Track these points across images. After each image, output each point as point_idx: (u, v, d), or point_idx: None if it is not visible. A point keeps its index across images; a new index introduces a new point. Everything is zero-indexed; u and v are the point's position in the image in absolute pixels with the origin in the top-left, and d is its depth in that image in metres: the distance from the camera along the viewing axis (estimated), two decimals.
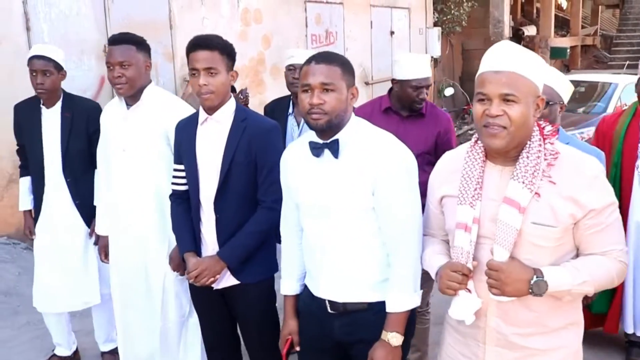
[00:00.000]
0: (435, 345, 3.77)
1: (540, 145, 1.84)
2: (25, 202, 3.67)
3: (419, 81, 3.19)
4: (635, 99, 3.55)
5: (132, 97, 2.97)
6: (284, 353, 2.42)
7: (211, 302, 2.77)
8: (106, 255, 3.30)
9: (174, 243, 2.95)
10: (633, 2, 20.03)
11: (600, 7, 21.46)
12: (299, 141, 2.34)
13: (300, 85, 2.12)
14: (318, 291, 2.25)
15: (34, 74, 3.35)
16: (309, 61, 2.11)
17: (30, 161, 3.57)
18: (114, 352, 3.80)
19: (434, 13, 12.03)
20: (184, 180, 2.72)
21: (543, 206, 1.81)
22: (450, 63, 13.63)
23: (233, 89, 5.32)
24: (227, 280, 2.67)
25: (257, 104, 6.35)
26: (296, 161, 2.27)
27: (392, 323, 2.11)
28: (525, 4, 20.26)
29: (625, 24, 19.87)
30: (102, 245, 3.31)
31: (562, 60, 17.76)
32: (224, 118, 2.59)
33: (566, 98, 2.76)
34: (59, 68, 3.39)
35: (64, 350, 3.86)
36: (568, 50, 16.52)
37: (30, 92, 3.41)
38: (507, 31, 12.90)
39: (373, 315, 2.16)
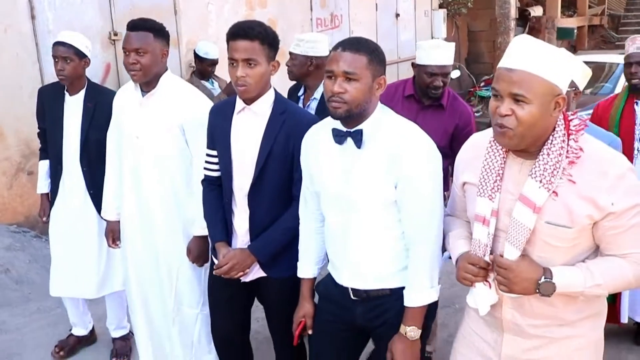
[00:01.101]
0: (443, 326, 3.84)
1: (563, 141, 1.77)
2: (43, 185, 3.72)
3: (434, 68, 3.15)
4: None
5: (147, 84, 2.95)
6: (296, 334, 2.43)
7: (232, 290, 2.73)
8: (114, 241, 3.32)
9: (187, 232, 2.97)
10: None
11: None
12: (320, 125, 2.30)
13: (325, 70, 2.08)
14: (341, 279, 2.26)
15: (56, 60, 3.37)
16: (336, 46, 2.07)
17: (49, 146, 3.61)
18: (125, 338, 3.86)
19: None
20: (216, 167, 2.66)
21: (559, 206, 1.77)
22: (456, 45, 13.42)
23: (204, 74, 5.29)
24: (256, 273, 2.64)
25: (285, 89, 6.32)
26: (318, 146, 2.25)
27: (410, 317, 2.12)
28: None
29: (633, 3, 19.66)
30: (110, 230, 3.32)
31: (568, 40, 17.59)
32: (261, 109, 2.52)
33: (582, 84, 2.68)
34: (80, 55, 3.40)
35: (80, 330, 3.94)
36: (575, 31, 16.34)
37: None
38: (513, 12, 12.72)
39: (396, 300, 2.17)
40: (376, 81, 2.07)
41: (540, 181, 1.75)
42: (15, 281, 4.64)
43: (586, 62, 8.24)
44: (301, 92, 3.72)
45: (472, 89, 12.74)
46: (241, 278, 2.61)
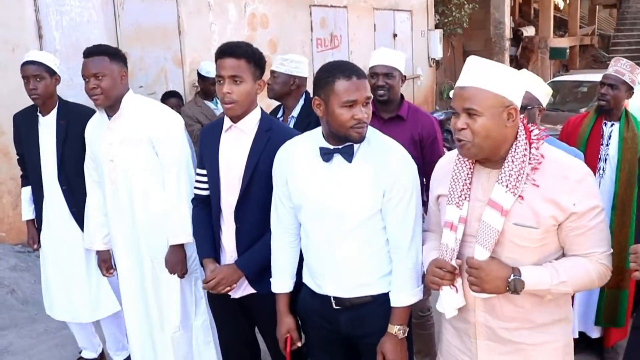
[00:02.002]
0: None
1: (525, 149, 1.91)
2: (27, 212, 3.68)
3: (374, 68, 3.22)
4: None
5: (111, 108, 2.99)
6: (287, 352, 2.44)
7: (229, 309, 2.78)
8: (107, 269, 3.32)
9: (167, 247, 2.98)
10: (630, 1, 20.13)
11: (597, 6, 21.52)
12: (296, 141, 2.37)
13: (340, 101, 2.11)
14: (322, 289, 2.30)
15: (26, 79, 3.34)
16: (349, 76, 2.11)
17: (29, 170, 3.58)
18: None
19: (435, 15, 12.06)
20: (206, 186, 2.72)
21: (525, 208, 1.89)
22: (452, 65, 13.66)
23: (207, 94, 5.32)
24: (246, 289, 2.68)
25: (264, 108, 6.34)
26: (294, 161, 2.30)
27: (398, 317, 2.22)
28: (522, 5, 20.29)
29: (623, 24, 19.97)
30: (101, 260, 3.33)
31: (560, 60, 17.80)
32: (248, 127, 2.58)
33: (545, 102, 2.84)
34: (51, 73, 3.38)
35: (90, 353, 3.91)
36: (567, 51, 16.55)
37: None
38: (507, 32, 12.93)
39: (378, 306, 2.26)
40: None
41: (507, 186, 1.88)
42: (21, 302, 4.59)
43: (581, 82, 8.41)
44: (280, 113, 3.76)
45: None
46: (230, 293, 2.64)
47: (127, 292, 3.18)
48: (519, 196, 1.88)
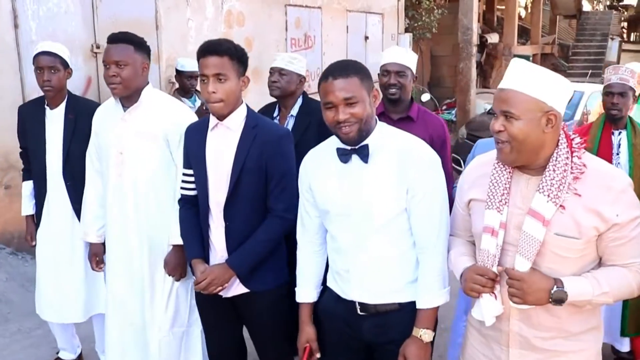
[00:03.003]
0: (435, 347, 3.82)
1: (567, 158, 1.88)
2: (28, 207, 3.56)
3: (386, 66, 3.24)
4: (600, 108, 3.62)
5: (127, 99, 2.89)
6: None
7: (219, 309, 2.73)
8: (97, 264, 3.22)
9: (166, 247, 2.91)
10: (589, 13, 20.70)
11: (557, 17, 22.05)
12: (318, 149, 2.35)
13: (323, 104, 2.12)
14: (348, 294, 2.26)
15: (40, 70, 3.25)
16: (325, 77, 2.10)
17: (32, 164, 3.47)
18: None
19: (405, 19, 12.15)
20: (193, 185, 2.68)
21: (567, 218, 1.86)
22: (420, 69, 13.79)
23: (185, 90, 5.25)
24: (237, 288, 2.64)
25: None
26: (319, 168, 2.27)
27: (424, 319, 2.16)
28: (486, 12, 20.65)
29: (582, 34, 20.54)
30: (93, 253, 3.22)
31: None
32: (234, 124, 2.56)
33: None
34: (65, 65, 3.31)
35: (68, 354, 3.80)
36: (530, 58, 16.91)
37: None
38: (475, 38, 13.12)
39: (404, 315, 2.20)
40: (371, 94, 2.13)
41: (548, 195, 1.85)
42: None
43: None
44: (276, 113, 3.73)
45: (434, 112, 12.96)
46: (221, 293, 2.61)
47: (114, 285, 3.06)
48: (561, 206, 1.85)
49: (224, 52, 2.43)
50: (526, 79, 1.84)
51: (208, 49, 2.44)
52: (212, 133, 2.58)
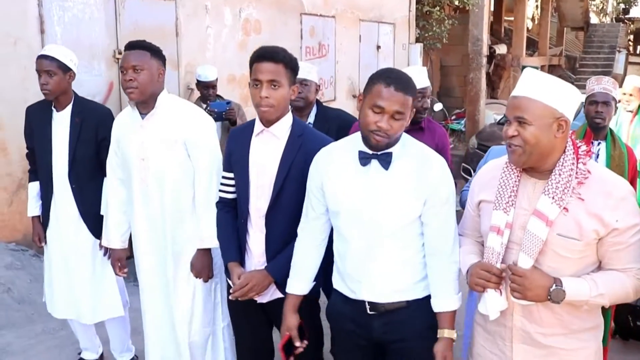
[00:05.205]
0: None
1: (573, 164, 1.99)
2: (34, 208, 3.59)
3: (418, 90, 3.30)
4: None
5: (144, 105, 2.94)
6: (280, 347, 2.44)
7: (251, 313, 2.76)
8: (120, 269, 3.25)
9: (194, 250, 2.96)
10: (597, 25, 20.77)
11: (565, 29, 22.14)
12: (334, 146, 2.38)
13: (371, 102, 2.14)
14: (357, 294, 2.31)
15: (40, 74, 3.28)
16: (387, 82, 2.12)
17: (39, 166, 3.50)
18: None
19: (416, 29, 12.23)
20: (232, 189, 2.71)
21: (569, 220, 1.96)
22: (430, 78, 13.85)
23: (204, 99, 5.33)
24: (273, 294, 2.66)
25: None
26: (332, 167, 2.31)
27: (446, 321, 2.24)
28: (494, 23, 20.74)
29: (590, 46, 20.61)
30: (115, 258, 3.26)
31: None
32: (280, 132, 2.58)
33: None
34: (65, 69, 3.30)
35: (91, 354, 3.84)
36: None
37: (42, 96, 3.34)
38: (485, 49, 13.19)
39: (411, 312, 2.28)
40: (411, 114, 2.21)
41: (553, 198, 1.95)
42: (17, 301, 4.47)
43: None
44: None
45: (443, 122, 13.03)
46: (256, 298, 2.64)
47: (148, 292, 3.13)
48: (564, 208, 1.95)
49: (280, 59, 2.47)
50: (539, 86, 1.96)
51: (265, 55, 2.47)
52: (257, 139, 2.60)
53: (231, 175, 2.70)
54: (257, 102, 2.48)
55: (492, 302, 2.07)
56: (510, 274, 1.98)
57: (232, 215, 2.73)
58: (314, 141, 2.57)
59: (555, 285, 1.93)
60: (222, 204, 2.77)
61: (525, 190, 2.06)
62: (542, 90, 1.95)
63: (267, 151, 2.58)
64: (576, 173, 1.97)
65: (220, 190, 2.77)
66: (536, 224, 1.97)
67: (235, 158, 2.65)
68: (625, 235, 1.96)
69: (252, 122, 2.66)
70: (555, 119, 1.95)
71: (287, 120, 2.59)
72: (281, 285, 2.61)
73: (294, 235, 2.56)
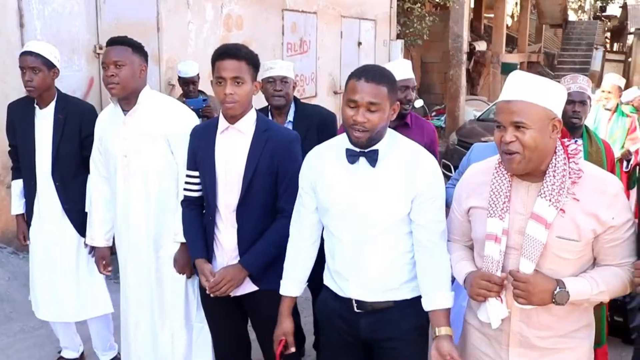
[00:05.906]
0: None
1: (565, 164, 1.97)
2: (18, 206, 3.55)
3: (401, 82, 3.29)
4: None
5: (126, 101, 2.92)
6: (277, 353, 2.45)
7: (224, 307, 2.77)
8: (105, 267, 3.23)
9: (176, 246, 2.95)
10: (575, 23, 21.01)
11: (544, 26, 22.35)
12: (323, 147, 2.39)
13: (346, 98, 2.16)
14: (345, 292, 2.31)
15: (23, 70, 3.23)
16: (358, 76, 2.13)
17: (22, 163, 3.46)
18: None
19: (397, 26, 12.26)
20: (197, 187, 2.73)
21: (567, 221, 1.95)
22: None
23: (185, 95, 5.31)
24: (245, 287, 2.68)
25: None
26: (323, 166, 2.32)
27: (441, 319, 2.18)
28: (473, 20, 20.87)
29: (568, 43, 20.85)
30: (100, 257, 3.24)
31: None
32: (245, 128, 2.61)
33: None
34: (49, 65, 3.26)
35: (71, 353, 3.80)
36: (518, 66, 17.13)
37: (22, 91, 3.30)
38: (465, 46, 13.28)
39: (399, 312, 2.27)
40: (392, 108, 2.19)
41: (549, 200, 1.94)
42: None
43: None
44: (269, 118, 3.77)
45: (424, 118, 13.07)
46: (230, 293, 2.65)
47: (130, 290, 3.10)
48: (561, 209, 1.94)
49: (243, 56, 2.51)
50: (534, 89, 1.92)
51: (227, 52, 2.51)
52: (222, 136, 2.63)
53: (196, 173, 2.71)
54: (222, 99, 2.51)
55: (494, 310, 2.04)
56: (512, 280, 1.96)
57: (197, 212, 2.76)
58: (279, 135, 2.63)
59: (559, 288, 1.92)
60: (186, 202, 2.78)
61: (518, 194, 2.03)
62: (537, 92, 1.92)
63: (233, 147, 2.61)
64: (569, 173, 1.96)
65: (185, 189, 2.78)
66: (535, 228, 1.95)
67: (201, 156, 2.67)
68: (620, 231, 1.96)
69: (215, 119, 2.68)
70: (550, 120, 1.93)
71: (252, 116, 2.63)
72: (256, 278, 2.64)
73: (264, 228, 2.61)
